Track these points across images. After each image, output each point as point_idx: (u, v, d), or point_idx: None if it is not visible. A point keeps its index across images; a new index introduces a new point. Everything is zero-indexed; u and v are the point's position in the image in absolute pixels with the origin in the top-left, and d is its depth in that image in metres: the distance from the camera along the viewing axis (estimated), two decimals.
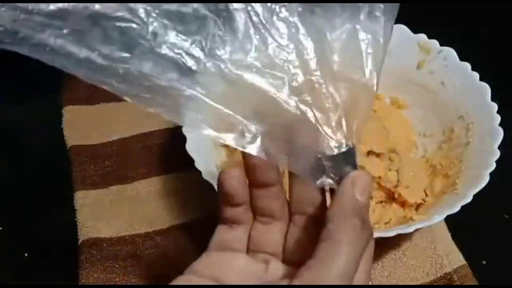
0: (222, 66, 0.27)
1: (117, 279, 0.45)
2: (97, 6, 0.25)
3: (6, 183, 0.52)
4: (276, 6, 0.29)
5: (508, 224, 0.49)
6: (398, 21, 0.52)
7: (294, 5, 0.29)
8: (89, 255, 0.46)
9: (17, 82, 0.60)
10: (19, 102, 0.59)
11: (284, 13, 0.29)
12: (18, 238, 0.48)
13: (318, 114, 0.28)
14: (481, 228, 0.48)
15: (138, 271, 0.45)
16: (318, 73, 0.28)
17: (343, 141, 0.29)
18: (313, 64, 0.28)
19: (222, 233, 0.32)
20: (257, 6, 0.28)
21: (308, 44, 0.28)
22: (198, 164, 0.43)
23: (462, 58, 0.51)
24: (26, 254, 0.47)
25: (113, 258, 0.46)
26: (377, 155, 0.47)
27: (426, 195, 0.47)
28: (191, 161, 0.43)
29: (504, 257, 0.47)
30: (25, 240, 0.48)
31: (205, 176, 0.42)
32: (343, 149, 0.29)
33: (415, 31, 0.53)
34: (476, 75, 0.49)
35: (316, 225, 0.29)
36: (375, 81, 0.29)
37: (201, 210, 0.49)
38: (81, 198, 0.50)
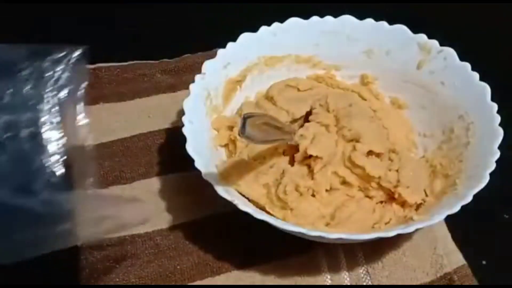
0: None
1: (117, 279, 0.45)
2: None
3: None
4: None
5: (508, 224, 0.49)
6: (398, 21, 0.53)
7: None
8: (89, 255, 0.46)
9: None
10: None
11: None
12: None
13: None
14: (481, 228, 0.48)
15: (138, 271, 0.45)
16: None
17: None
18: None
19: None
20: None
21: None
22: (198, 164, 0.43)
23: (462, 58, 0.50)
24: None
25: (113, 258, 0.46)
26: (377, 155, 0.47)
27: (426, 195, 0.47)
28: (191, 161, 0.43)
29: (504, 257, 0.47)
30: None
31: (205, 176, 0.42)
32: None
33: (415, 31, 0.53)
34: (476, 75, 0.49)
35: None
36: None
37: (201, 210, 0.49)
38: None
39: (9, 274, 0.45)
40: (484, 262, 0.46)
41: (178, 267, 0.46)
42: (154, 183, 0.51)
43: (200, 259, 0.46)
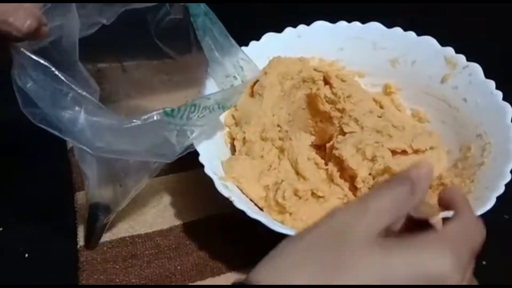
0: None
1: (117, 280, 0.45)
2: None
3: (6, 184, 0.52)
4: None
5: (508, 224, 0.49)
6: (427, 33, 0.52)
7: None
8: (90, 257, 0.46)
9: None
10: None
11: None
12: (18, 238, 0.48)
13: None
14: None
15: (138, 271, 0.45)
16: None
17: None
18: None
19: None
20: None
21: None
22: (202, 158, 0.43)
23: (488, 74, 0.49)
24: (26, 254, 0.47)
25: (113, 259, 0.46)
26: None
27: None
28: (191, 162, 0.43)
29: (504, 257, 0.47)
30: (25, 240, 0.48)
31: (207, 171, 0.42)
32: None
33: (443, 44, 0.52)
34: (499, 94, 0.48)
35: None
36: None
37: (201, 211, 0.49)
38: (81, 199, 0.50)
39: (9, 274, 0.46)
40: (484, 262, 0.46)
41: (179, 267, 0.46)
42: (154, 183, 0.51)
43: (200, 259, 0.46)
